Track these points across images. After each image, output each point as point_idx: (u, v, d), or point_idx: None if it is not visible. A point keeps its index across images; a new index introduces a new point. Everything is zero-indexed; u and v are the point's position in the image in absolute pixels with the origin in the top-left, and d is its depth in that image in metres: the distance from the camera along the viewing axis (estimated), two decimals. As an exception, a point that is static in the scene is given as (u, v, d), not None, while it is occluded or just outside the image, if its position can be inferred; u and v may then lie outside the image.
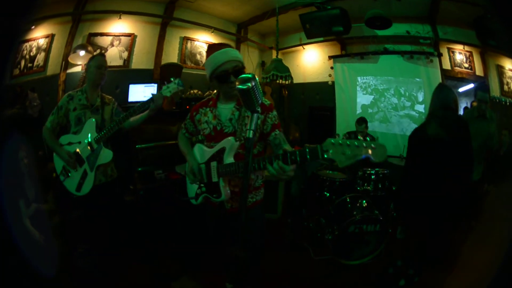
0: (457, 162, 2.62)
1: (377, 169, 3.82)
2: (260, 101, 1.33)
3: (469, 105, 4.63)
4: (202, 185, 2.07)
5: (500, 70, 4.67)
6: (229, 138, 1.89)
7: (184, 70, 4.94)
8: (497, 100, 4.55)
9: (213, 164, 1.97)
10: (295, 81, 5.72)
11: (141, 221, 3.58)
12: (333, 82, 5.70)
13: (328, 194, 3.82)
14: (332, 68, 5.67)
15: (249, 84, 1.26)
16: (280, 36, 5.11)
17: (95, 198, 2.78)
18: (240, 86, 1.28)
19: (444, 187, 2.58)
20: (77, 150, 2.73)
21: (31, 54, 4.14)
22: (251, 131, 1.27)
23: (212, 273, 2.89)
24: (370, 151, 1.27)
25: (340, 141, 1.31)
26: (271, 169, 1.53)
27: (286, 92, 6.03)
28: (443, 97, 2.81)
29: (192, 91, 4.81)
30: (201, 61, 5.32)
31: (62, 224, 3.37)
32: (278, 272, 3.04)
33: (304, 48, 5.89)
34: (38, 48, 4.16)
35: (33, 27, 4.06)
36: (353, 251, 3.22)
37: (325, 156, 1.35)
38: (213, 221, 2.22)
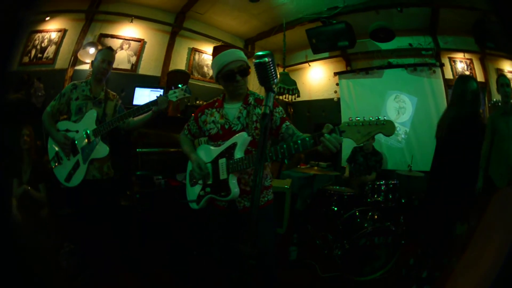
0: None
1: (386, 180, 3.61)
2: (275, 79, 1.30)
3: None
4: (206, 186, 2.03)
5: (499, 74, 4.71)
6: (242, 133, 1.91)
7: (190, 81, 4.87)
8: (499, 104, 4.53)
9: (221, 161, 1.95)
10: (300, 99, 5.71)
11: (136, 225, 3.30)
12: (338, 99, 5.65)
13: (336, 209, 3.63)
14: (337, 84, 5.66)
15: (266, 59, 1.25)
16: (286, 54, 5.19)
17: (87, 194, 2.61)
18: (257, 61, 1.27)
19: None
20: (74, 138, 2.61)
21: (43, 45, 4.11)
22: (268, 107, 1.23)
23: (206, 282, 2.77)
24: (381, 127, 1.44)
25: (354, 122, 1.48)
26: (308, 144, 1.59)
27: (292, 110, 5.96)
28: (459, 87, 2.69)
29: (197, 102, 4.70)
30: (208, 74, 5.29)
31: (50, 217, 3.10)
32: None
33: (309, 65, 5.92)
34: (50, 41, 4.13)
35: (47, 18, 4.07)
36: (363, 266, 2.99)
37: (342, 136, 1.50)
38: (217, 224, 2.13)
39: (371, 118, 1.46)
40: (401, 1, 4.24)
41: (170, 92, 2.51)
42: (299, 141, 1.61)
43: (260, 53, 1.29)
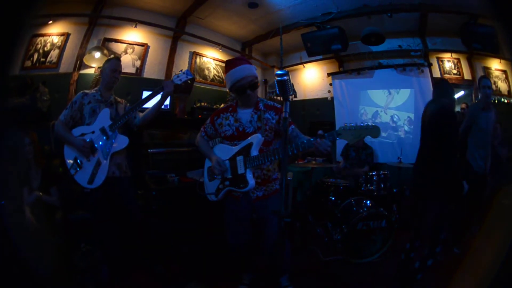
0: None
1: (378, 171, 3.93)
2: (291, 92, 1.62)
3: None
4: (225, 180, 2.31)
5: (487, 71, 4.98)
6: (257, 134, 2.19)
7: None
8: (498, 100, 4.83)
9: (239, 158, 2.22)
10: (296, 98, 5.84)
11: (152, 223, 3.24)
12: (332, 98, 5.79)
13: (333, 199, 3.82)
14: (331, 84, 5.80)
15: (286, 78, 1.58)
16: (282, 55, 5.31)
17: (110, 191, 2.63)
18: (278, 78, 1.58)
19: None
20: (91, 139, 2.62)
21: (45, 49, 3.95)
22: (287, 113, 1.60)
23: (222, 276, 2.86)
24: (369, 131, 1.76)
25: (348, 127, 1.80)
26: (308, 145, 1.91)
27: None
28: (440, 87, 2.78)
29: (200, 104, 4.74)
30: (209, 76, 5.28)
31: (64, 220, 3.07)
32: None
33: (304, 67, 6.02)
34: (53, 45, 3.98)
35: (50, 22, 3.92)
36: (362, 250, 3.22)
37: (339, 137, 1.83)
38: (235, 213, 2.38)
39: (361, 124, 1.78)
40: (392, 8, 4.39)
41: (174, 76, 2.68)
42: (304, 141, 1.94)
43: (279, 72, 1.58)
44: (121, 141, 2.65)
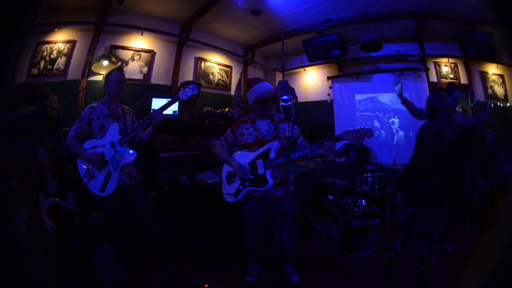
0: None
1: (373, 173, 4.09)
2: (294, 114, 1.82)
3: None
4: (245, 181, 2.61)
5: (483, 76, 4.98)
6: (275, 141, 2.56)
7: (197, 89, 4.89)
8: (482, 104, 4.86)
9: (259, 161, 2.56)
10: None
11: (166, 222, 3.37)
12: (331, 101, 5.78)
13: (331, 198, 3.95)
14: (330, 87, 5.78)
15: (290, 103, 1.78)
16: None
17: (119, 199, 2.73)
18: (284, 104, 1.77)
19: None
20: (102, 152, 2.70)
21: (51, 56, 3.90)
22: (289, 132, 1.79)
23: (233, 269, 3.04)
24: (365, 133, 2.22)
25: (350, 131, 2.23)
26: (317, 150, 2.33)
27: (289, 112, 6.10)
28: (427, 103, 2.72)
29: (206, 108, 4.76)
30: (213, 81, 5.25)
31: (83, 223, 3.17)
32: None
33: (305, 70, 6.00)
34: (59, 52, 3.93)
35: (56, 30, 3.88)
36: (358, 245, 3.42)
37: (341, 139, 2.26)
38: (255, 212, 2.67)
39: (359, 128, 2.22)
40: (390, 15, 4.37)
41: (180, 92, 2.71)
42: (313, 147, 2.32)
43: (285, 97, 1.78)
44: (130, 155, 2.74)
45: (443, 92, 3.14)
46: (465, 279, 2.18)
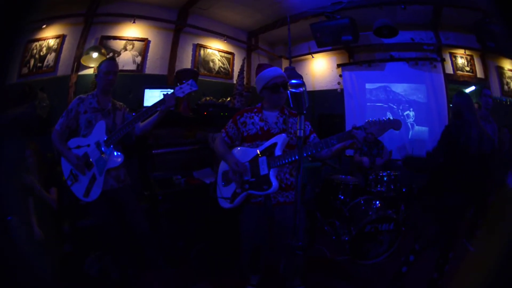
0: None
1: (388, 171, 3.70)
2: (306, 105, 1.35)
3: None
4: (244, 183, 2.15)
5: (499, 71, 4.56)
6: (282, 134, 2.11)
7: (196, 77, 4.57)
8: (498, 101, 4.48)
9: (262, 159, 2.09)
10: (304, 90, 5.50)
11: (160, 225, 3.16)
12: (342, 90, 5.38)
13: (342, 197, 3.62)
14: (340, 76, 5.38)
15: (302, 89, 1.30)
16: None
17: (109, 204, 2.48)
18: (293, 90, 1.31)
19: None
20: (86, 152, 2.43)
21: (41, 53, 3.63)
22: (301, 131, 1.34)
23: (231, 277, 2.79)
24: (392, 125, 1.84)
25: (374, 122, 1.85)
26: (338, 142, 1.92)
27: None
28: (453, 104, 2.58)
29: (206, 98, 4.45)
30: (214, 69, 4.89)
31: (72, 229, 2.98)
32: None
33: (313, 57, 5.57)
34: (49, 48, 3.65)
35: (44, 26, 3.58)
36: (369, 251, 3.14)
37: (366, 131, 1.85)
38: (255, 218, 2.21)
39: (385, 119, 1.84)
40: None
41: (177, 88, 2.40)
42: (330, 141, 1.93)
43: (294, 81, 1.32)
44: (116, 159, 2.44)
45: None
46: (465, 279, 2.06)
